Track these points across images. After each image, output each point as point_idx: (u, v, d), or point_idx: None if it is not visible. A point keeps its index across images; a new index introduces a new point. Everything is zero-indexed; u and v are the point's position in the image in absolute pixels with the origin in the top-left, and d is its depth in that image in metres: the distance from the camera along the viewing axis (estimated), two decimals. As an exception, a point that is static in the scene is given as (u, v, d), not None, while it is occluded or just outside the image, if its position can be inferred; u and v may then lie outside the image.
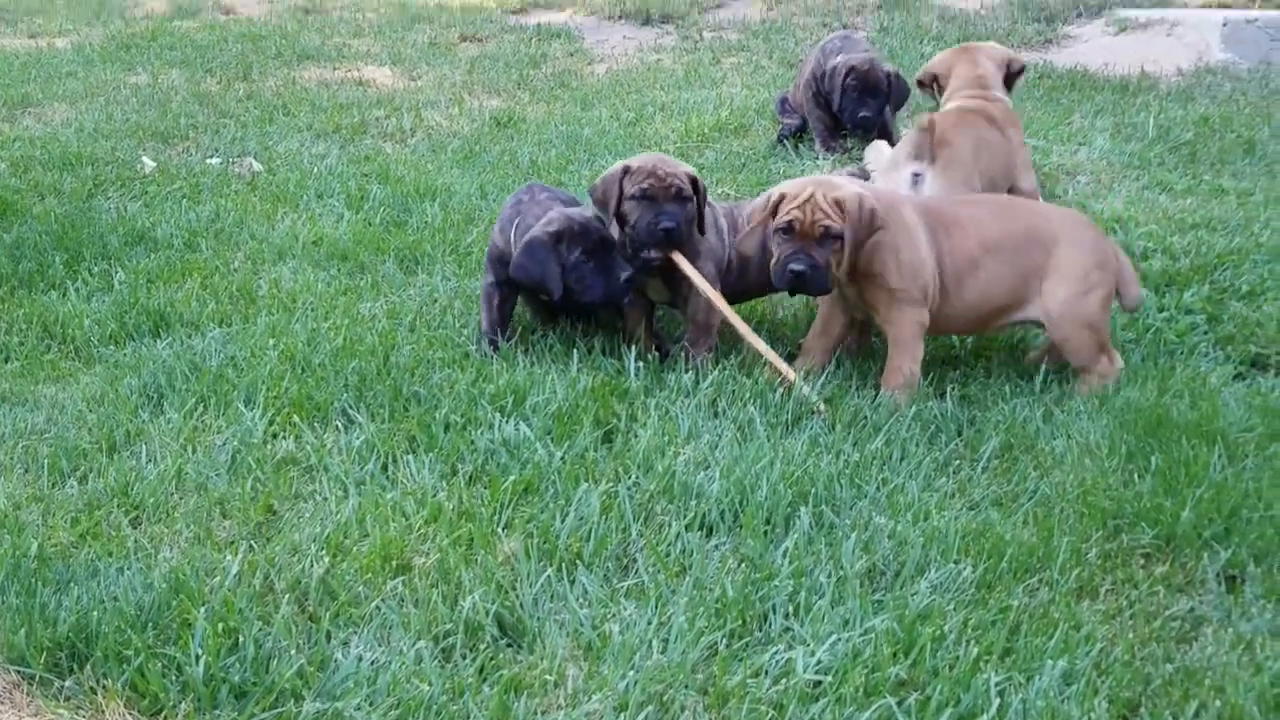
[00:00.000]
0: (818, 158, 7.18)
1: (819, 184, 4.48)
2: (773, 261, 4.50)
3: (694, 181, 4.71)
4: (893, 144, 7.14)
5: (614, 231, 4.70)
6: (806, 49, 8.88)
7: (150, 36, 10.29)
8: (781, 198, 4.48)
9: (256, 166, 7.01)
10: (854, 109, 7.10)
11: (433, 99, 8.58)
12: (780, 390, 4.35)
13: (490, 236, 4.90)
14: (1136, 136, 7.26)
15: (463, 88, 8.89)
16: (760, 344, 4.54)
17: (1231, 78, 8.60)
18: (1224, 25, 9.27)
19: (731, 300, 4.79)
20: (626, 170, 4.71)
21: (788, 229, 4.44)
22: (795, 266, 4.41)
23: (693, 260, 4.68)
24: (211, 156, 7.24)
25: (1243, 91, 8.27)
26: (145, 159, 7.08)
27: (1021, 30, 10.05)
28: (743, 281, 4.93)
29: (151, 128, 7.68)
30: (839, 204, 4.41)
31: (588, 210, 4.74)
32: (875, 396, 4.37)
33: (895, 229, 4.51)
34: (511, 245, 4.72)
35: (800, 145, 7.37)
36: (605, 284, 4.62)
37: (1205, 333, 5.00)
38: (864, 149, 7.25)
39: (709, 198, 4.92)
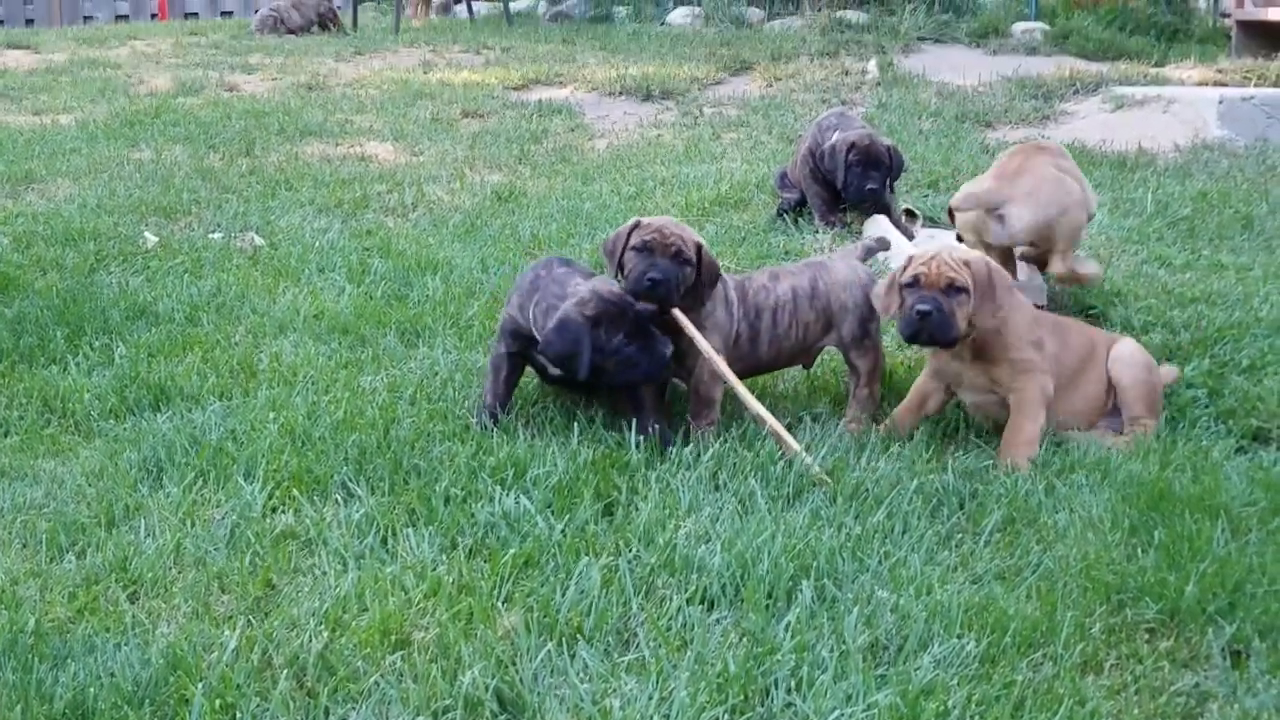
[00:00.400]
0: (817, 231, 7.21)
1: (947, 248, 4.71)
2: (899, 312, 4.65)
3: (699, 249, 4.73)
4: (891, 217, 7.19)
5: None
6: (805, 125, 8.95)
7: (154, 113, 10.36)
8: (910, 260, 4.67)
9: (258, 241, 7.03)
10: (859, 183, 7.14)
11: (434, 174, 8.62)
12: (781, 463, 4.35)
13: (505, 309, 4.83)
14: (1135, 212, 7.30)
15: (464, 163, 8.94)
16: (763, 411, 4.54)
17: (1228, 154, 8.67)
18: (1220, 103, 9.35)
19: (742, 376, 4.80)
20: (637, 225, 4.78)
21: (914, 282, 4.60)
22: (922, 307, 4.55)
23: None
24: (214, 231, 7.27)
25: (1240, 168, 8.33)
26: (147, 234, 7.11)
27: (1019, 107, 10.13)
28: (754, 354, 4.92)
29: (154, 203, 7.71)
30: (965, 264, 4.59)
31: (614, 284, 4.69)
32: (878, 469, 4.37)
33: (1020, 308, 4.73)
34: (533, 325, 4.64)
35: (800, 219, 7.41)
36: (648, 363, 4.56)
37: (1206, 406, 4.99)
38: (863, 223, 7.30)
39: (723, 271, 4.94)
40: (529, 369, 4.95)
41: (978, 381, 4.74)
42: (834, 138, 7.27)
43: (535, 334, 4.63)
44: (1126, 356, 4.89)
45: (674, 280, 4.66)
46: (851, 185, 7.15)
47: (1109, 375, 4.87)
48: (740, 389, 4.62)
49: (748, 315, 4.89)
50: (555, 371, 4.76)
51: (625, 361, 4.54)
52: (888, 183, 7.21)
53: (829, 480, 4.27)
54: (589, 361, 4.49)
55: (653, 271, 4.65)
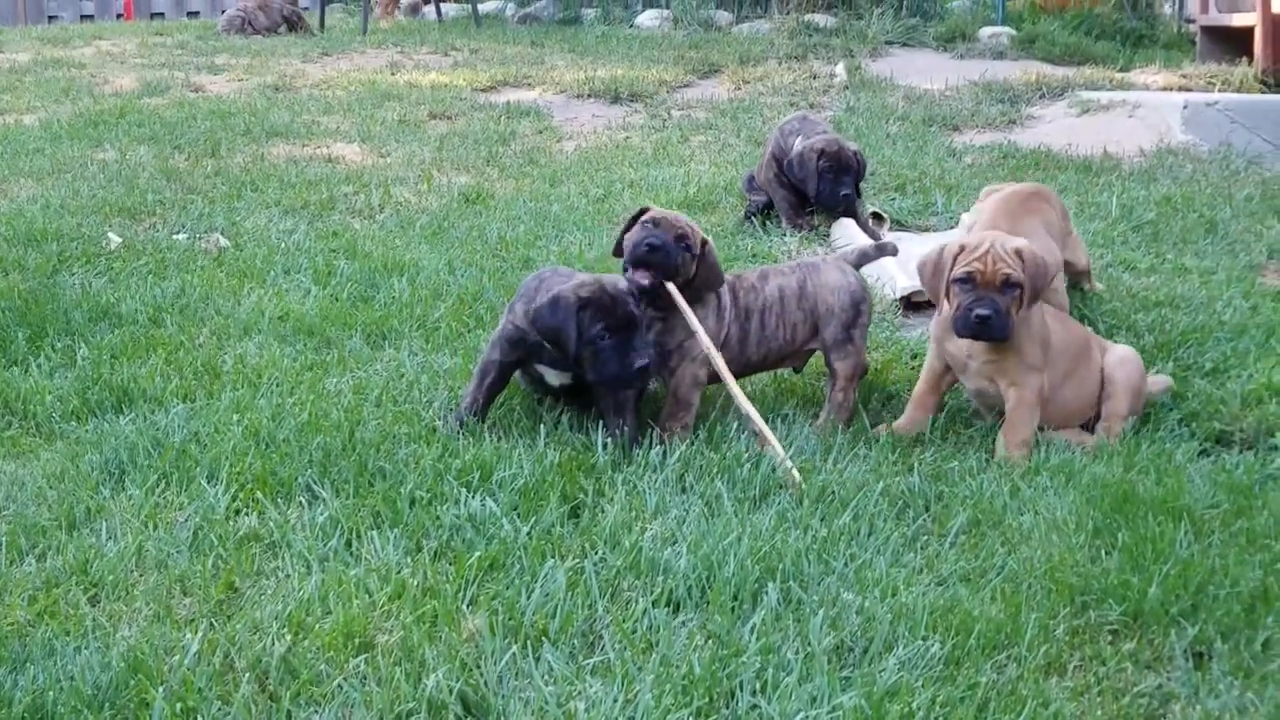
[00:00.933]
0: (785, 234, 7.22)
1: (996, 236, 4.68)
2: (952, 311, 4.66)
3: (704, 245, 4.79)
4: (859, 220, 7.20)
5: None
6: (773, 128, 8.93)
7: (119, 113, 10.29)
8: (960, 249, 4.65)
9: (223, 242, 6.99)
10: (833, 189, 7.17)
11: (401, 175, 8.59)
12: (748, 465, 4.34)
13: (507, 318, 4.76)
14: (1100, 216, 7.34)
15: (432, 164, 8.91)
16: (751, 409, 4.54)
17: (1193, 159, 8.72)
18: (1184, 108, 9.40)
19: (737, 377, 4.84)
20: (645, 210, 4.87)
21: (967, 279, 4.61)
22: (981, 311, 4.57)
23: (684, 336, 4.74)
24: (178, 232, 7.22)
25: (1204, 172, 8.38)
26: (111, 235, 7.05)
27: (986, 111, 10.17)
28: (744, 355, 4.93)
29: (118, 204, 7.65)
30: (1018, 253, 4.59)
31: (623, 281, 4.64)
32: (845, 472, 4.37)
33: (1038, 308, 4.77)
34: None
35: (768, 222, 7.42)
36: (617, 365, 4.48)
37: (1170, 409, 5.02)
38: (830, 225, 7.32)
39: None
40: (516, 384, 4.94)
41: (984, 370, 4.77)
42: (798, 145, 7.28)
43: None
44: (1129, 357, 4.95)
45: (674, 253, 4.70)
46: (825, 192, 7.18)
47: (1104, 373, 4.92)
48: (731, 383, 4.64)
49: (739, 316, 4.91)
50: (556, 381, 4.76)
51: (597, 355, 4.49)
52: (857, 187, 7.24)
53: (802, 484, 4.27)
54: (574, 341, 4.44)
55: (651, 238, 4.69)
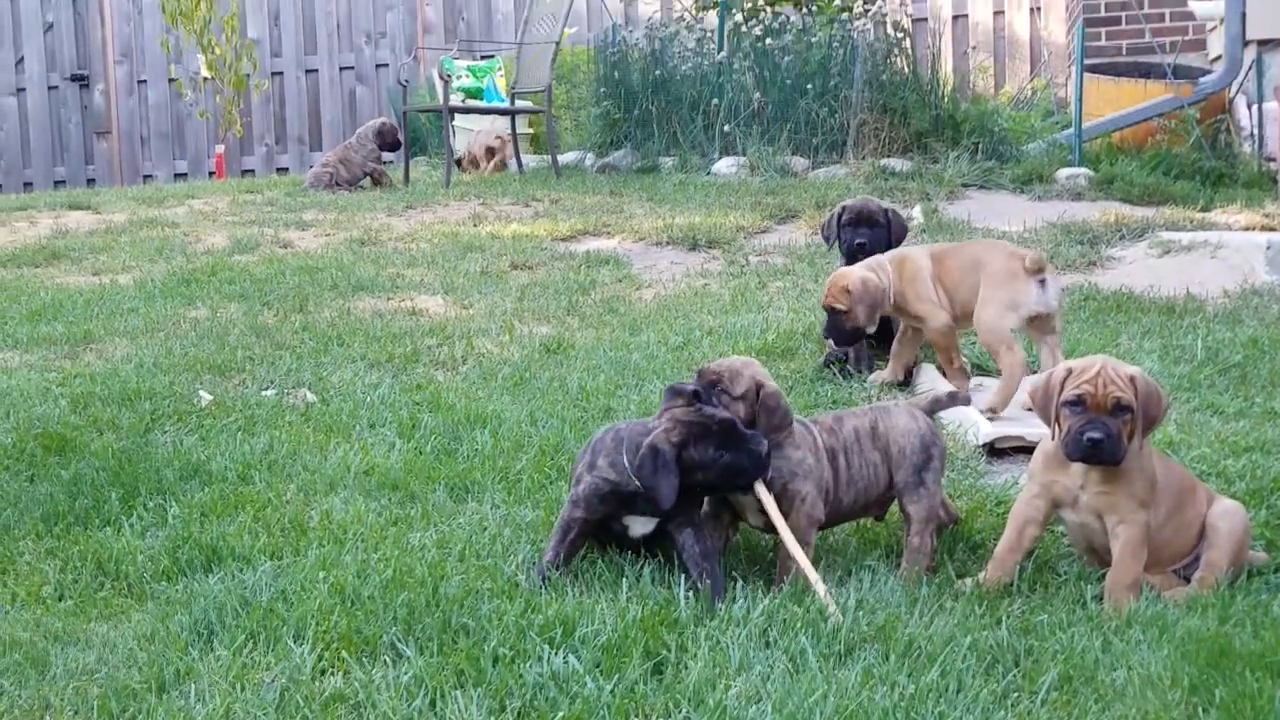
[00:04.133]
0: (864, 381, 7.22)
1: (1107, 360, 4.65)
2: (1062, 435, 4.62)
3: (758, 389, 4.84)
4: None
5: None
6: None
7: (210, 271, 10.51)
8: (1068, 373, 4.63)
9: (310, 397, 7.11)
10: (851, 239, 7.82)
11: (484, 327, 8.71)
12: (833, 620, 4.31)
13: (589, 477, 4.79)
14: (1185, 358, 7.27)
15: (513, 315, 9.03)
16: (797, 550, 4.56)
17: (1278, 299, 8.62)
18: (1268, 248, 9.28)
19: (827, 525, 4.93)
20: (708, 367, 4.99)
21: (1077, 401, 4.57)
22: (1093, 434, 4.51)
23: (788, 479, 4.80)
24: (267, 389, 7.36)
25: (1290, 313, 8.29)
26: (202, 392, 7.20)
27: (1065, 252, 10.16)
28: (836, 498, 4.96)
29: (209, 361, 7.81)
30: (1131, 380, 4.57)
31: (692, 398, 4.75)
32: (930, 624, 4.31)
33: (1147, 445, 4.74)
34: (627, 472, 4.69)
35: (847, 369, 7.43)
36: (752, 462, 4.62)
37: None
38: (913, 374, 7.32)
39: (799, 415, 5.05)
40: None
41: (1094, 503, 4.71)
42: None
43: (633, 479, 4.67)
44: (1235, 511, 4.83)
45: (705, 400, 4.78)
46: (845, 240, 7.75)
47: (1207, 522, 4.81)
48: (772, 507, 4.67)
49: (826, 458, 4.94)
50: (641, 531, 4.81)
51: (729, 468, 4.60)
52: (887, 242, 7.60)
53: (834, 609, 4.31)
54: (674, 491, 4.53)
55: (677, 387, 4.83)
